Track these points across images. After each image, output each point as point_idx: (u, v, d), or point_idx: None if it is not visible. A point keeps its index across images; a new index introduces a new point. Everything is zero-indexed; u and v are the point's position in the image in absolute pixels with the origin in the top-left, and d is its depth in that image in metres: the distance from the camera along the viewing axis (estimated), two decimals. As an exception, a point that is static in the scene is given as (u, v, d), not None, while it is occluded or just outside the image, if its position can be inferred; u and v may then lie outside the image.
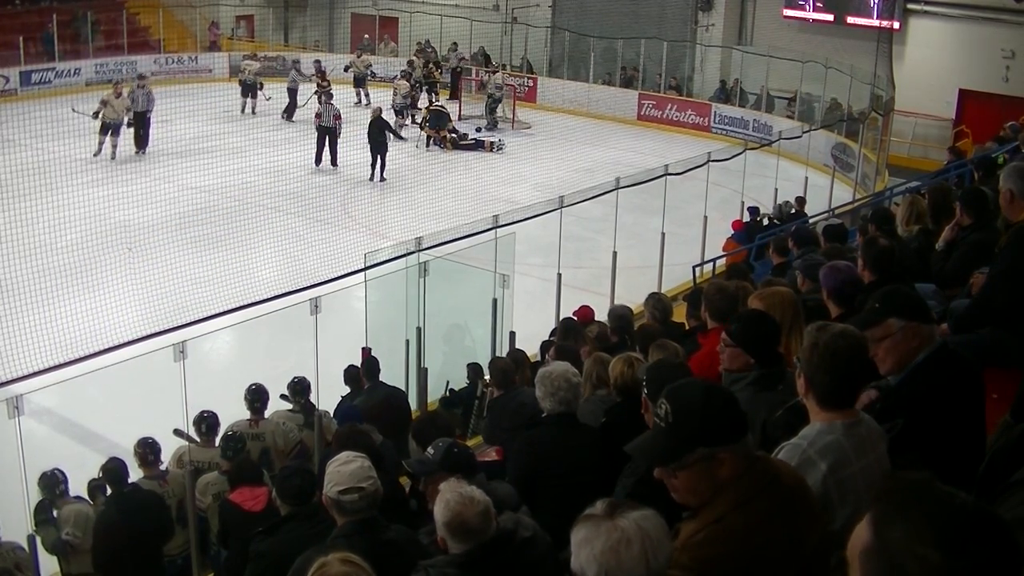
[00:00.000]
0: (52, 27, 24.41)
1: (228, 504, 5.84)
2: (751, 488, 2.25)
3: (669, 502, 2.35)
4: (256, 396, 7.46)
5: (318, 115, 18.93)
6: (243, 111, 22.90)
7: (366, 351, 9.01)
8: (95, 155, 18.28)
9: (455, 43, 26.77)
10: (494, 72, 23.80)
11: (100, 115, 18.22)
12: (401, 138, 19.96)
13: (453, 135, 20.93)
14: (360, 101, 23.47)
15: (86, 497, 6.62)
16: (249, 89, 23.09)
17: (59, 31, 24.49)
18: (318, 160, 18.83)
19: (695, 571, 2.14)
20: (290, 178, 17.49)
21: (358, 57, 24.85)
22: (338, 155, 18.84)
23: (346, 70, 23.98)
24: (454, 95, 24.58)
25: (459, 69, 25.57)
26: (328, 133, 18.82)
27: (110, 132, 18.45)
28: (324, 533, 3.64)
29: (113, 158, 18.42)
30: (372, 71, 24.61)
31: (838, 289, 4.35)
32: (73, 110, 17.27)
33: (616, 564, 1.85)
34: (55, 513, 6.27)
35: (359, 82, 24.13)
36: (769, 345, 3.67)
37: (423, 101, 22.69)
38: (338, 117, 18.98)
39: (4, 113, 17.68)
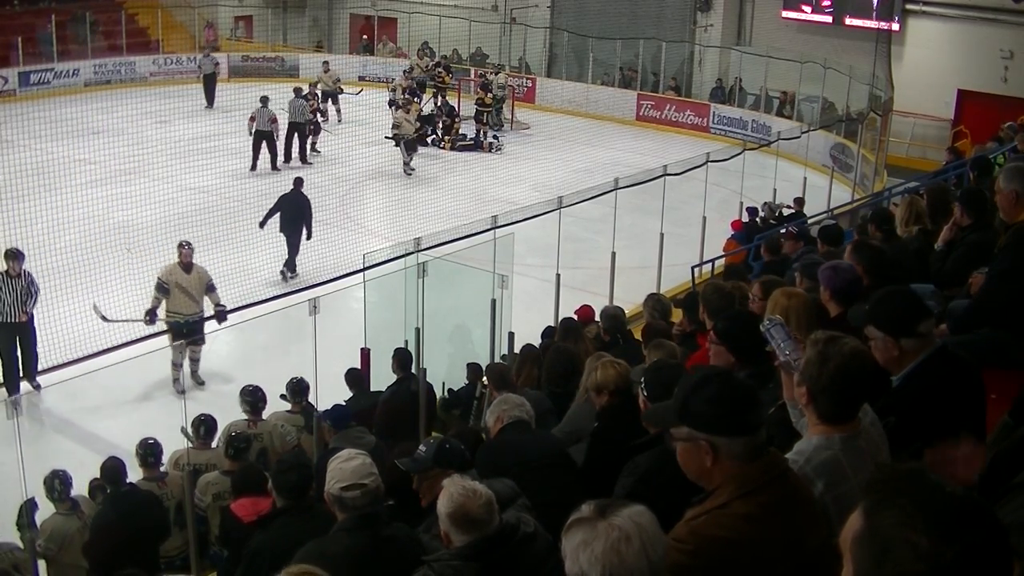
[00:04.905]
0: (51, 28, 24.37)
1: (229, 513, 5.83)
2: (756, 479, 2.29)
3: (669, 500, 2.36)
4: (253, 397, 7.48)
5: (252, 118, 18.35)
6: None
7: (365, 352, 9.02)
8: None
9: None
10: (496, 72, 23.72)
11: None
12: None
13: (451, 137, 21.02)
14: (333, 117, 22.20)
15: (87, 496, 6.63)
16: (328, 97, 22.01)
17: (57, 32, 24.44)
18: (253, 167, 18.36)
19: (691, 544, 2.20)
20: (289, 179, 17.43)
21: (325, 72, 22.86)
22: (279, 156, 18.57)
23: (312, 87, 21.30)
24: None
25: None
26: (265, 137, 18.35)
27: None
28: (318, 529, 3.64)
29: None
30: (340, 87, 22.82)
31: (842, 289, 4.36)
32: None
33: (619, 562, 1.86)
34: (36, 518, 6.23)
35: (329, 97, 22.29)
36: (756, 343, 3.68)
37: (429, 105, 22.30)
38: (274, 120, 18.41)
39: (3, 114, 17.67)
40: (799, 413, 2.84)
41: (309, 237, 13.36)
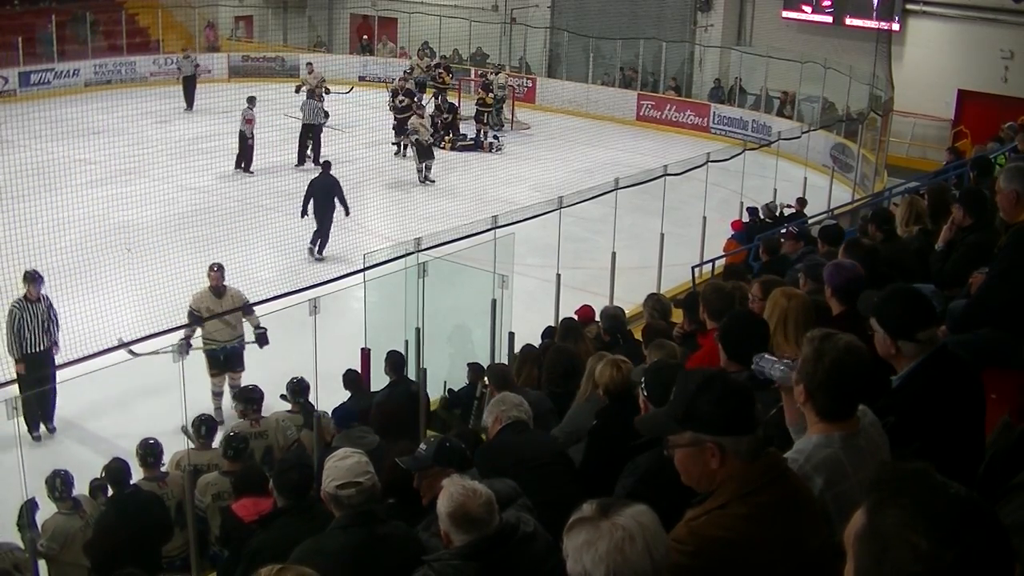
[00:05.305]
0: (51, 28, 24.38)
1: (230, 513, 5.84)
2: (755, 480, 2.29)
3: (670, 500, 2.36)
4: (251, 396, 7.49)
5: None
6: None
7: (365, 352, 9.02)
8: None
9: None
10: (497, 72, 23.69)
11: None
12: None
13: (451, 136, 21.00)
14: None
15: (87, 495, 6.63)
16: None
17: (58, 32, 24.45)
18: (237, 165, 18.25)
19: (691, 546, 2.21)
20: (289, 178, 17.47)
21: (309, 73, 22.10)
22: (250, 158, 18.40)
23: (297, 91, 20.90)
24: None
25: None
26: (239, 137, 18.33)
27: None
28: (318, 528, 3.65)
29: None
30: (325, 86, 21.85)
31: (843, 287, 4.40)
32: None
33: (623, 561, 1.87)
34: (37, 518, 6.24)
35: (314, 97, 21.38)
36: (752, 345, 3.69)
37: (429, 107, 21.92)
38: (249, 121, 18.23)
39: (3, 114, 17.69)
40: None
41: (347, 214, 14.26)
